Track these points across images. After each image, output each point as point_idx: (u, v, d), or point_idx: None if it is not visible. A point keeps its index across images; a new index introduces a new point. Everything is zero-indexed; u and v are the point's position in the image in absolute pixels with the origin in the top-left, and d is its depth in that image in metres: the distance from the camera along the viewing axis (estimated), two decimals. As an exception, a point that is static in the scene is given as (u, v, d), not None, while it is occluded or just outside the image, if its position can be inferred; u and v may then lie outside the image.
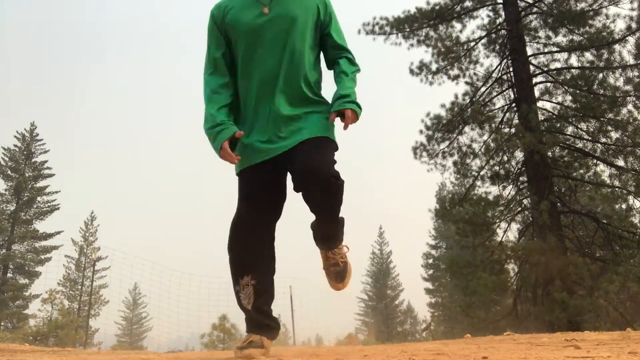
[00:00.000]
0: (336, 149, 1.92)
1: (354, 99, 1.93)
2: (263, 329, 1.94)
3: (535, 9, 11.32)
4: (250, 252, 1.93)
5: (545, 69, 11.12)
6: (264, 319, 1.95)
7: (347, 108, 1.89)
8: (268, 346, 1.92)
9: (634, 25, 9.88)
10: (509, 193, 11.07)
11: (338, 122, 1.95)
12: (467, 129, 11.35)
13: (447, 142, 11.52)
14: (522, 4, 11.34)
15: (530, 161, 10.08)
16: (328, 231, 2.04)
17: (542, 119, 10.84)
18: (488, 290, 9.92)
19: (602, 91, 10.24)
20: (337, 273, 2.10)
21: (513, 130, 10.55)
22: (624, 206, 10.17)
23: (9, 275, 24.11)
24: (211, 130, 1.88)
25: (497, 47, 11.55)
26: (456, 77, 11.53)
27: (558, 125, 10.75)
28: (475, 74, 11.61)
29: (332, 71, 2.08)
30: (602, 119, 10.16)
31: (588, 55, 10.52)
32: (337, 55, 2.06)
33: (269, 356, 1.87)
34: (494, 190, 11.07)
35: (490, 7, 11.70)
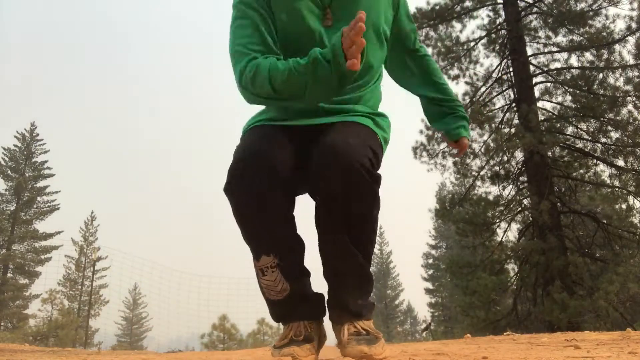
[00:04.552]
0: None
1: None
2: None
3: (535, 9, 11.31)
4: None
5: (545, 69, 11.11)
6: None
7: None
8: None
9: (634, 25, 9.87)
10: (509, 193, 11.07)
11: None
12: (467, 129, 11.34)
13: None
14: (522, 4, 11.33)
15: (530, 161, 10.08)
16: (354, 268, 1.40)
17: (542, 119, 10.83)
18: (488, 290, 9.91)
19: (602, 91, 10.23)
20: (360, 340, 1.37)
21: (513, 130, 10.55)
22: (624, 206, 10.16)
23: (9, 275, 24.14)
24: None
25: (497, 47, 11.55)
26: (456, 77, 11.52)
27: (558, 125, 10.75)
28: (475, 74, 11.61)
29: None
30: (602, 119, 10.16)
31: (588, 55, 10.52)
32: None
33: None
34: (494, 190, 11.07)
35: (490, 7, 11.70)
